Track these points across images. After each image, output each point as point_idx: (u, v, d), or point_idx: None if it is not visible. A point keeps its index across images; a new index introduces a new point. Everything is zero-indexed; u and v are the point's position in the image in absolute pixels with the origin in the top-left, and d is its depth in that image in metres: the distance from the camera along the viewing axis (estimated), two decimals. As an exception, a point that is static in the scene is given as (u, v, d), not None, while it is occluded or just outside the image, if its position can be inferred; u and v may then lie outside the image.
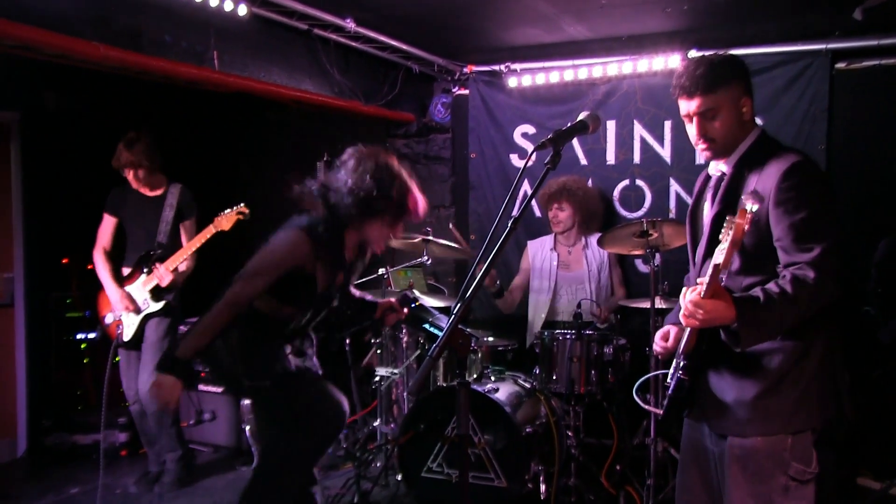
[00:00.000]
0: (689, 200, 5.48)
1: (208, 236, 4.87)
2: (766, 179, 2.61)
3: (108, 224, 5.16)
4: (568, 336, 4.83)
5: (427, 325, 3.91)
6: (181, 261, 4.97)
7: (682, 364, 2.74)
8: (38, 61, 4.18)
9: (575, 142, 6.07)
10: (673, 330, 2.91)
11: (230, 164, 7.42)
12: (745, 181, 2.69)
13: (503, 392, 4.59)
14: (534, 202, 5.99)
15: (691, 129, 2.78)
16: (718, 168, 2.83)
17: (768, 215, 2.58)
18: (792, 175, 2.55)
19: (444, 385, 4.92)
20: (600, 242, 5.09)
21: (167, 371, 3.24)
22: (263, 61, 5.20)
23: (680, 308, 2.71)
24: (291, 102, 5.57)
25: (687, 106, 2.74)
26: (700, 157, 2.96)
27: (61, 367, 6.47)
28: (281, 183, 3.53)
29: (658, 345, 2.95)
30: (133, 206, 5.13)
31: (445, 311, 5.00)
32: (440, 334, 2.29)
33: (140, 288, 5.03)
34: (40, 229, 6.20)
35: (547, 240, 5.78)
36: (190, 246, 4.97)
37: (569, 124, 2.62)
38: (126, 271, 5.12)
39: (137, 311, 5.01)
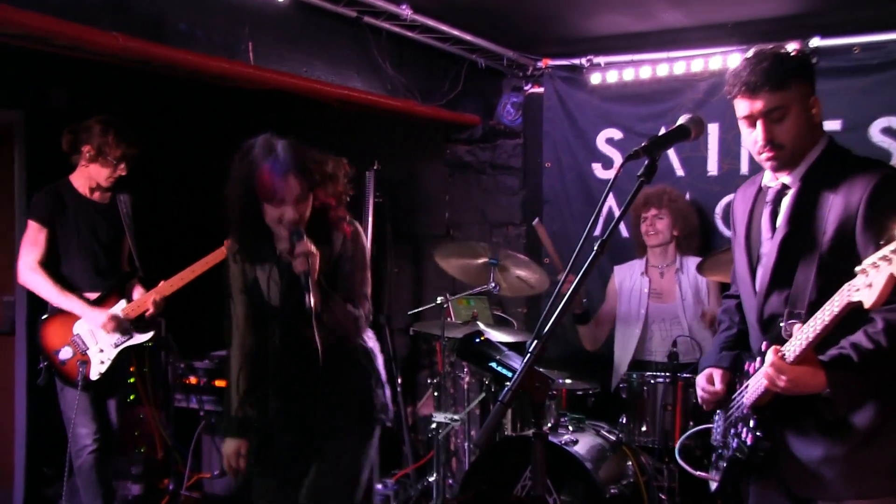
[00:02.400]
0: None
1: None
2: (848, 195, 2.59)
3: (36, 235, 4.75)
4: (661, 379, 4.80)
5: (494, 364, 3.91)
6: (181, 284, 4.82)
7: (753, 421, 2.73)
8: (46, 54, 4.27)
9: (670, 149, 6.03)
10: (717, 372, 2.93)
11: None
12: (818, 197, 2.67)
13: (583, 445, 4.57)
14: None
15: (753, 134, 2.78)
16: (779, 180, 2.82)
17: (853, 241, 2.55)
18: (886, 191, 2.53)
19: (513, 435, 4.91)
20: (700, 269, 5.05)
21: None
22: (304, 54, 5.27)
23: (716, 350, 2.78)
24: (336, 102, 5.64)
25: (749, 106, 2.73)
26: (766, 171, 2.92)
27: (67, 406, 6.56)
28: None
29: (704, 390, 2.96)
30: (78, 215, 4.84)
31: (515, 347, 5.01)
32: (510, 375, 2.29)
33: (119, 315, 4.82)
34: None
35: (636, 264, 5.72)
36: (199, 266, 4.81)
37: (663, 129, 2.61)
38: (92, 297, 4.82)
39: (119, 342, 4.77)
